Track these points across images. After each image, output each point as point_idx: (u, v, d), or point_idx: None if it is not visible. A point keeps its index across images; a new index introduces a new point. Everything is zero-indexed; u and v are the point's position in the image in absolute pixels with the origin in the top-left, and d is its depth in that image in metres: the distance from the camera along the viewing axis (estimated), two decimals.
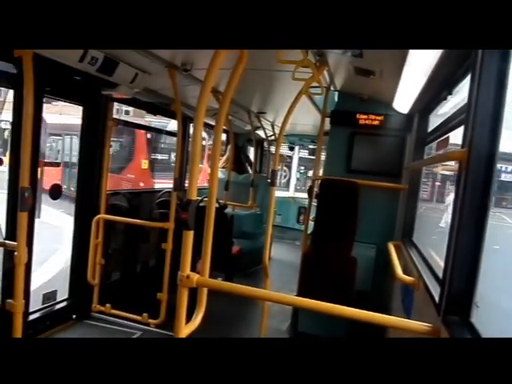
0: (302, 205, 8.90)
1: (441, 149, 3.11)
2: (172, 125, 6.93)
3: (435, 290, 1.93)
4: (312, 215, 4.25)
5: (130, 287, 4.54)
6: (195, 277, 1.84)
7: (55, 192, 3.75)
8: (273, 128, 7.18)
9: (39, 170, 3.26)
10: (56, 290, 3.88)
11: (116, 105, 4.45)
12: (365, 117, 4.19)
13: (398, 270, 2.71)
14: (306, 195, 7.17)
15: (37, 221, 3.38)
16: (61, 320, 3.78)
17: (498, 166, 1.59)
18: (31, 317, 3.46)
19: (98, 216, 3.96)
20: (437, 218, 3.70)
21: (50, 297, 3.80)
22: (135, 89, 3.65)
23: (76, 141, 10.96)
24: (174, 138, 4.79)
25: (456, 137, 2.40)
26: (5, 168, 3.17)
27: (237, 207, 6.48)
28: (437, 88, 2.80)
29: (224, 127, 5.44)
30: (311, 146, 9.90)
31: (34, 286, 3.50)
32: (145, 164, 10.91)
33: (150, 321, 3.96)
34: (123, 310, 4.01)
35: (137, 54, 3.05)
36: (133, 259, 4.90)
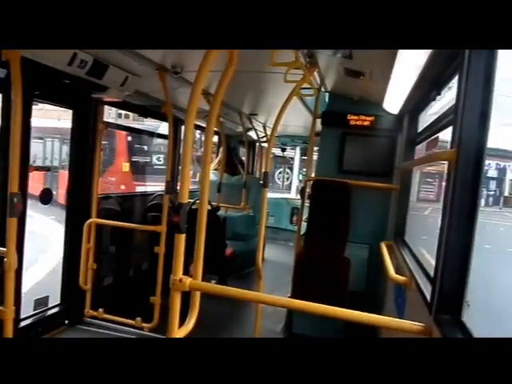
0: (294, 205, 8.91)
1: (430, 149, 3.13)
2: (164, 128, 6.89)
3: (427, 290, 1.94)
4: (305, 216, 4.25)
5: (123, 291, 4.49)
6: (188, 280, 1.83)
7: (45, 196, 3.70)
8: (264, 129, 7.19)
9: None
10: (48, 296, 3.83)
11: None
12: (356, 117, 4.21)
13: (391, 270, 2.72)
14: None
15: None
16: (53, 326, 3.73)
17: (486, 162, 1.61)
18: (22, 323, 3.41)
19: (90, 220, 3.92)
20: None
21: (41, 302, 3.76)
22: (125, 92, 3.63)
23: (58, 144, 10.89)
24: (159, 140, 4.76)
25: (445, 135, 2.42)
26: None
27: (229, 209, 6.47)
28: (426, 88, 2.82)
29: (215, 129, 5.44)
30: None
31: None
32: (125, 167, 10.82)
33: (144, 325, 3.93)
34: (116, 315, 3.97)
35: (126, 57, 3.02)
36: (125, 263, 4.86)
